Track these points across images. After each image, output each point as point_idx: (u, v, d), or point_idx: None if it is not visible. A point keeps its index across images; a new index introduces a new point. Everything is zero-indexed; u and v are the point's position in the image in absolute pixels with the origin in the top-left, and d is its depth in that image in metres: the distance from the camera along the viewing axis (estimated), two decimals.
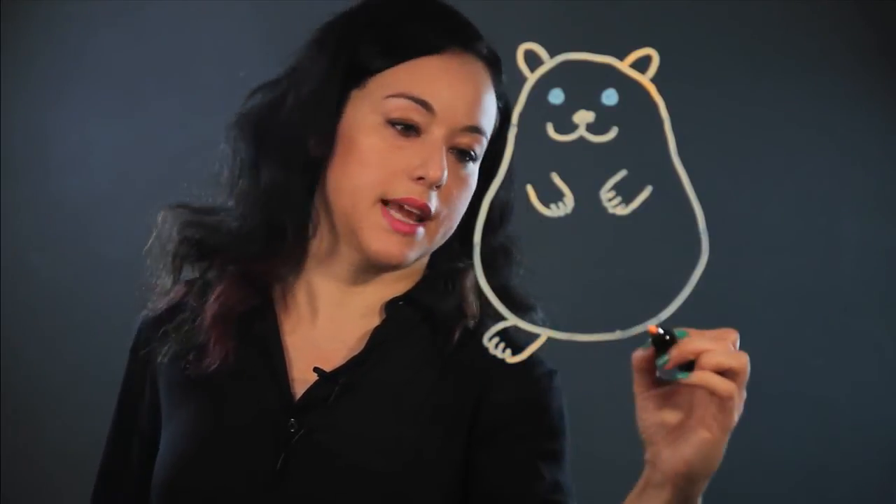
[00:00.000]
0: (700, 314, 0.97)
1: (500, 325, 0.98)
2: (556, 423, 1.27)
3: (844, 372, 2.62)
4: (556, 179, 0.96)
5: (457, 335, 1.27)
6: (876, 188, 2.65)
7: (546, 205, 0.97)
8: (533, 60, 0.95)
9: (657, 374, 1.00)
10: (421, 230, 1.24)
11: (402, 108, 1.23)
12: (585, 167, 0.96)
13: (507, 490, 1.23)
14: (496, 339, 0.98)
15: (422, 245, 1.25)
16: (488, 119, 1.27)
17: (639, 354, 0.99)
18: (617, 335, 0.96)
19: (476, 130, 1.25)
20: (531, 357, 1.26)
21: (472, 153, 1.26)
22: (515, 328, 0.99)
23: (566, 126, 0.95)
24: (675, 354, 0.96)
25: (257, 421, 1.25)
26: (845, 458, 2.61)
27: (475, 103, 1.25)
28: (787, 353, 2.57)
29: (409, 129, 1.24)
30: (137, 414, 1.36)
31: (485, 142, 1.27)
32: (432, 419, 1.25)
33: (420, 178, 1.23)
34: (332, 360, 1.27)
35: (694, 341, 0.96)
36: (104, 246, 2.69)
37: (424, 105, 1.23)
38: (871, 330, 2.63)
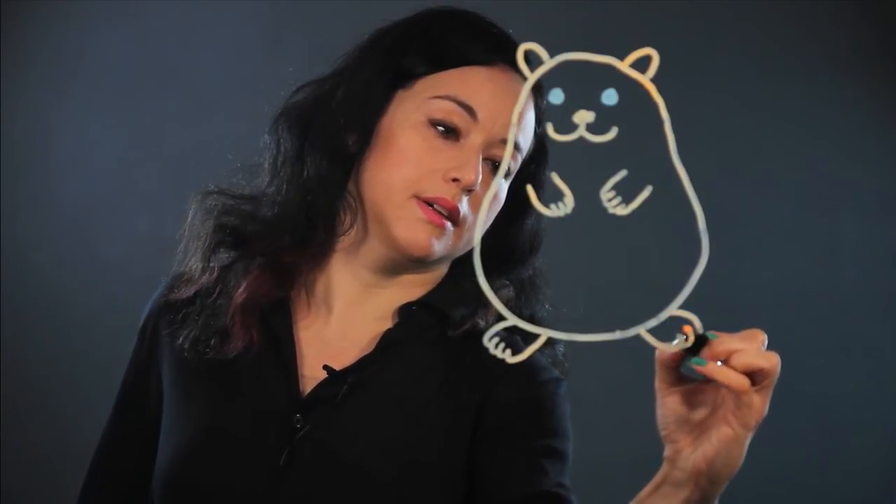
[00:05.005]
0: (700, 314, 0.97)
1: (500, 325, 0.98)
2: (560, 425, 1.27)
3: (844, 372, 2.62)
4: (556, 179, 0.96)
5: (466, 326, 1.28)
6: (876, 188, 2.65)
7: (546, 205, 0.97)
8: (533, 60, 0.95)
9: (681, 370, 1.00)
10: (450, 226, 1.25)
11: (445, 110, 1.25)
12: (585, 167, 0.96)
13: (510, 485, 1.23)
14: (496, 340, 0.98)
15: (446, 244, 1.26)
16: (526, 138, 1.29)
17: (664, 350, 0.99)
18: (616, 335, 0.96)
19: (514, 145, 1.26)
20: (538, 363, 1.27)
21: (507, 167, 1.27)
22: (519, 334, 0.99)
23: (566, 126, 0.95)
24: (707, 356, 0.96)
25: (264, 415, 1.26)
26: (845, 458, 2.62)
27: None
28: (787, 353, 2.57)
29: (449, 133, 1.25)
30: (141, 396, 1.35)
31: (520, 159, 1.29)
32: (437, 421, 1.26)
33: (454, 180, 1.24)
34: (342, 359, 1.28)
35: (725, 342, 0.96)
36: (104, 246, 2.69)
37: (468, 110, 1.25)
38: (871, 330, 2.63)
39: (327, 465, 1.23)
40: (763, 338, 0.98)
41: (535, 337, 0.98)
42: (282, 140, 1.31)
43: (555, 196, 0.96)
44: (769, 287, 2.64)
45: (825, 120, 2.65)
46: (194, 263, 1.33)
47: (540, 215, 1.29)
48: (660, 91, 0.94)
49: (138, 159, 2.70)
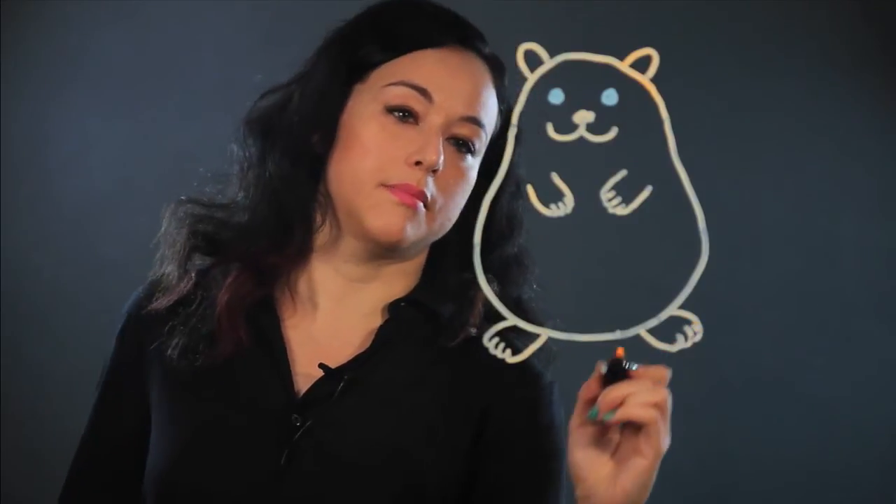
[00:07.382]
0: (700, 314, 0.98)
1: (500, 325, 0.98)
2: (557, 441, 1.28)
3: (844, 372, 2.62)
4: (556, 179, 0.97)
5: (460, 337, 1.28)
6: (876, 188, 2.65)
7: (546, 205, 0.97)
8: (533, 60, 0.95)
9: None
10: (422, 207, 1.25)
11: (400, 96, 1.26)
12: (585, 167, 0.96)
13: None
14: (496, 339, 0.98)
15: (420, 228, 1.26)
16: (488, 114, 1.29)
17: (588, 389, 1.03)
18: (617, 335, 0.96)
19: (474, 122, 1.27)
20: (534, 371, 1.28)
21: (471, 145, 1.28)
22: (516, 331, 0.99)
23: (566, 126, 0.95)
24: (602, 405, 1.01)
25: (261, 416, 1.26)
26: (845, 458, 2.61)
27: (474, 95, 1.27)
28: (787, 353, 2.57)
29: (407, 117, 1.26)
30: (120, 402, 1.35)
31: (485, 137, 1.29)
32: (434, 419, 1.26)
33: (417, 163, 1.25)
34: (335, 356, 1.28)
35: (616, 389, 1.01)
36: (104, 246, 2.69)
37: (423, 92, 1.26)
38: (871, 330, 2.63)
39: (328, 464, 1.23)
40: (662, 374, 1.02)
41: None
42: (246, 146, 1.32)
43: (555, 196, 0.96)
44: (769, 287, 2.64)
45: (825, 120, 2.64)
46: (171, 271, 1.33)
47: (517, 195, 1.30)
48: (660, 91, 0.94)
49: (138, 159, 2.70)
